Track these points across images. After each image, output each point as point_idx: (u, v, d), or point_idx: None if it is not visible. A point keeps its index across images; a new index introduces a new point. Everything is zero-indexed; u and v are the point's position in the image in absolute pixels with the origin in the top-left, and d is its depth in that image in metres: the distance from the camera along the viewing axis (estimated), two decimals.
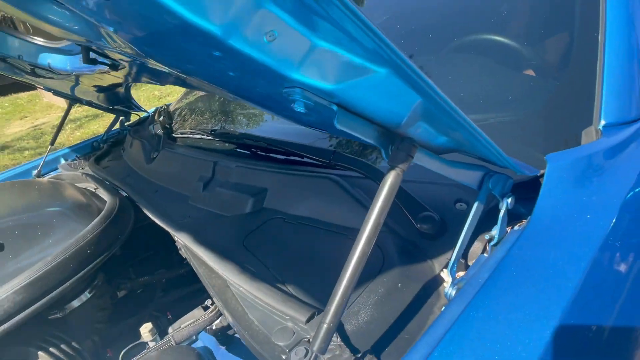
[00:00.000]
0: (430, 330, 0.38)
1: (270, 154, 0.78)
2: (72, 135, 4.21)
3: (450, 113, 0.33)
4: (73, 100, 1.42)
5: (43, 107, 6.06)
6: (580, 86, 0.67)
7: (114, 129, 1.51)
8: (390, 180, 0.36)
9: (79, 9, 0.31)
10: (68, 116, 1.51)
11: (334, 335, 0.43)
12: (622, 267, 0.48)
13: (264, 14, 0.25)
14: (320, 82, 0.30)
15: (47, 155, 1.34)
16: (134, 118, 1.50)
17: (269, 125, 0.95)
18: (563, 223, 0.48)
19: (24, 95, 6.93)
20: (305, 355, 0.39)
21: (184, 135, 1.07)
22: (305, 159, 0.71)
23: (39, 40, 0.90)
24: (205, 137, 0.98)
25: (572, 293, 0.39)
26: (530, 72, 0.75)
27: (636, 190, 0.53)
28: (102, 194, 0.87)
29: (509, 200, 0.48)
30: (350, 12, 0.23)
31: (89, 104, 1.38)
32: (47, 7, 0.44)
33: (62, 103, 5.87)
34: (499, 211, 0.48)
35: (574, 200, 0.50)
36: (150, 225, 0.80)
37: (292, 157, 0.74)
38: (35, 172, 1.29)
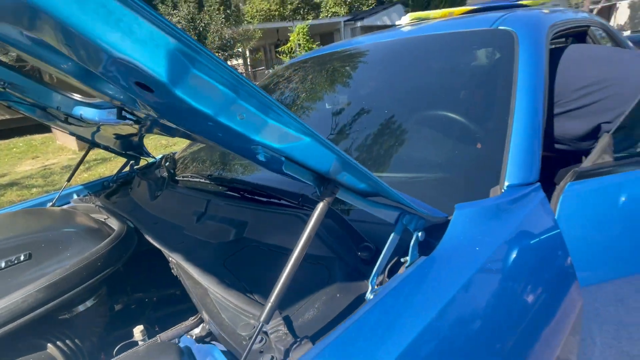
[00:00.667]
0: (341, 326, 0.54)
1: (253, 196, 0.97)
2: (79, 176, 4.43)
3: (357, 168, 0.52)
4: (92, 144, 1.63)
5: (55, 149, 6.36)
6: (493, 152, 0.87)
7: (124, 171, 1.71)
8: (319, 209, 0.54)
9: (132, 94, 0.52)
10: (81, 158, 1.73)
11: (282, 325, 0.58)
12: (491, 288, 0.64)
13: (238, 105, 0.45)
14: (272, 143, 0.49)
15: (62, 190, 1.53)
16: (142, 163, 1.71)
17: (253, 174, 1.15)
18: (457, 251, 0.65)
19: (38, 137, 7.28)
20: (258, 333, 0.54)
21: (184, 179, 1.26)
22: (281, 201, 0.90)
23: (77, 97, 1.13)
24: (202, 180, 1.17)
25: (441, 308, 0.55)
26: (454, 136, 0.96)
27: (517, 231, 0.70)
28: (112, 222, 1.04)
29: (419, 234, 0.66)
30: (285, 113, 0.43)
31: (106, 148, 1.60)
32: (103, 84, 0.65)
33: (74, 145, 6.18)
34: (411, 242, 0.66)
35: (470, 237, 0.68)
36: (149, 251, 0.96)
37: (269, 199, 0.92)
38: (50, 204, 1.47)
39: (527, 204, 0.76)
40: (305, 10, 17.90)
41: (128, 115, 0.89)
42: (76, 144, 5.99)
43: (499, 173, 0.82)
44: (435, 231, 0.69)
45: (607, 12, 26.69)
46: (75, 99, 1.14)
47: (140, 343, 0.77)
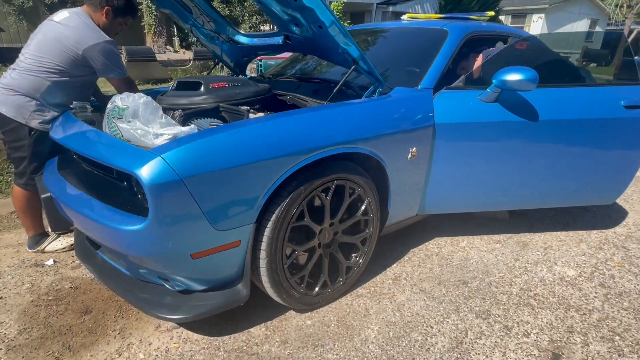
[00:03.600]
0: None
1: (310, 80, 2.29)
2: None
3: (367, 59, 1.82)
4: (220, 60, 2.95)
5: None
6: (421, 74, 2.17)
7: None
8: (350, 71, 1.86)
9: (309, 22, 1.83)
10: None
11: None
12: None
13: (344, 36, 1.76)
14: (352, 51, 1.81)
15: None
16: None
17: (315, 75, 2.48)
18: (394, 98, 1.96)
19: None
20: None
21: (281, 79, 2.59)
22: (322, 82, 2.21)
23: (240, 30, 2.45)
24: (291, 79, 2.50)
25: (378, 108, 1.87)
26: (405, 64, 2.27)
27: (418, 97, 2.01)
28: (263, 85, 2.36)
29: (380, 90, 1.97)
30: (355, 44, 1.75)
31: (225, 63, 2.91)
32: (287, 22, 1.96)
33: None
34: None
35: (399, 94, 1.99)
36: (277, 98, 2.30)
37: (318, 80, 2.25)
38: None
39: (423, 94, 2.06)
40: None
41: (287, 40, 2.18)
42: None
43: (419, 82, 2.12)
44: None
45: None
46: (236, 30, 2.46)
47: None
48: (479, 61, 2.44)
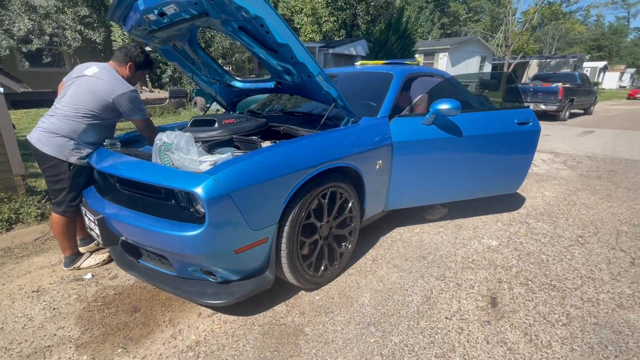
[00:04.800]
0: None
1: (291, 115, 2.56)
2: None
3: (342, 98, 2.13)
4: (215, 99, 3.12)
5: None
6: (375, 110, 2.52)
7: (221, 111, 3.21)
8: (331, 108, 2.16)
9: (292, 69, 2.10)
10: None
11: None
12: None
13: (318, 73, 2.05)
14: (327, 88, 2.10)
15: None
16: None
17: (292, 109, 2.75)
18: (363, 126, 2.28)
19: None
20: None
21: (267, 114, 2.82)
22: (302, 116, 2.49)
23: (236, 76, 2.68)
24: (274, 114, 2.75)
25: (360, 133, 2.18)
26: (365, 102, 2.62)
27: (377, 124, 2.35)
28: (261, 119, 2.58)
29: (352, 120, 2.28)
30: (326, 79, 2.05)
31: (219, 102, 3.09)
32: (279, 71, 2.22)
33: None
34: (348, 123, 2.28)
35: (365, 123, 2.31)
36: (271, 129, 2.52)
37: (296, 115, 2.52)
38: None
39: (382, 121, 2.41)
40: None
41: (278, 86, 2.44)
42: None
43: (378, 112, 2.47)
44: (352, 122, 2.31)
45: (523, 66, 30.68)
46: (233, 77, 2.68)
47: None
48: (422, 99, 2.86)
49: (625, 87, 40.67)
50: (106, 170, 1.81)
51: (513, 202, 3.47)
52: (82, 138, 2.07)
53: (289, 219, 1.75)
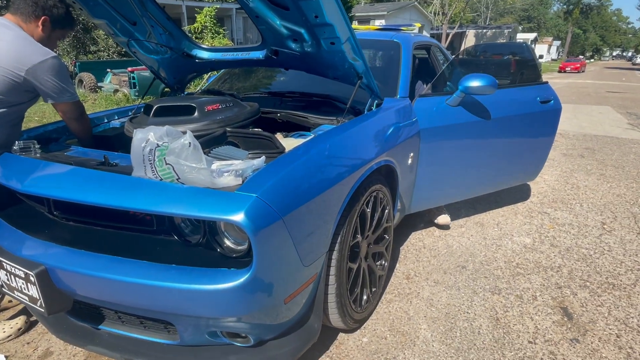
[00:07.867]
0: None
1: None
2: None
3: (369, 71, 1.90)
4: (157, 76, 2.62)
5: None
6: (394, 87, 2.35)
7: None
8: (357, 85, 1.92)
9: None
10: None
11: None
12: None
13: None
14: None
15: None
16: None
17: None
18: (385, 109, 2.09)
19: None
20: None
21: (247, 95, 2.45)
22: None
23: (202, 44, 2.25)
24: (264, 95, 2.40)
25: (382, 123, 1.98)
26: (383, 78, 2.44)
27: (400, 107, 2.18)
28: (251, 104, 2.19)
29: (376, 102, 2.07)
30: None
31: (161, 79, 2.60)
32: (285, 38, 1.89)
33: None
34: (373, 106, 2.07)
35: (388, 105, 2.12)
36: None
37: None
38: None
39: (406, 103, 2.26)
40: None
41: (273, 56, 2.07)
42: None
43: (396, 92, 2.30)
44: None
45: (460, 37, 33.62)
46: (195, 44, 2.26)
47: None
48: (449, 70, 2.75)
49: (555, 59, 47.48)
50: (47, 193, 1.32)
51: (519, 189, 3.65)
52: None
53: (337, 241, 1.49)
